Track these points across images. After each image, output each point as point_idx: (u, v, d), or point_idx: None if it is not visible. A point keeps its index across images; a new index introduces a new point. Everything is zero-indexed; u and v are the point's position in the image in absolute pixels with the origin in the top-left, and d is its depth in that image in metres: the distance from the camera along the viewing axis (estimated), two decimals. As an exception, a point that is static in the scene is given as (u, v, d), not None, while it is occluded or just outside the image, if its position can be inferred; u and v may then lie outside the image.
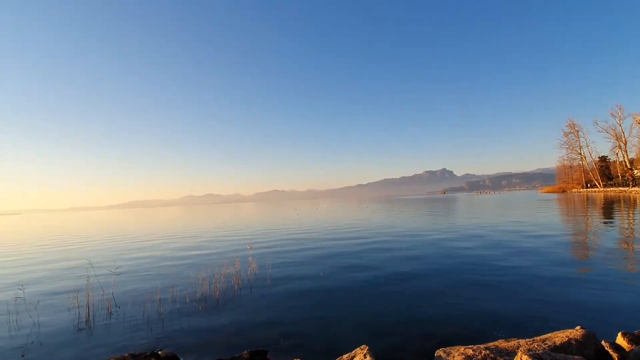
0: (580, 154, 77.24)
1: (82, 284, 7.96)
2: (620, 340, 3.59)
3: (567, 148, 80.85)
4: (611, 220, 17.69)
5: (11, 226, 50.51)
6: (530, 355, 2.89)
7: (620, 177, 68.19)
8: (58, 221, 62.42)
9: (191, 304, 6.49)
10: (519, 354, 2.97)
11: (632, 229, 14.34)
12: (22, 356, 4.61)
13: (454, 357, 3.31)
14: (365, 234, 16.79)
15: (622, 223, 16.34)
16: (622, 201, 33.94)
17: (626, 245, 10.59)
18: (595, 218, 19.36)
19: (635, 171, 63.93)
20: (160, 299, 6.69)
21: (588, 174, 75.94)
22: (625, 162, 67.11)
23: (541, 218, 20.38)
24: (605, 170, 74.21)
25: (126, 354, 3.99)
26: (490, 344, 3.49)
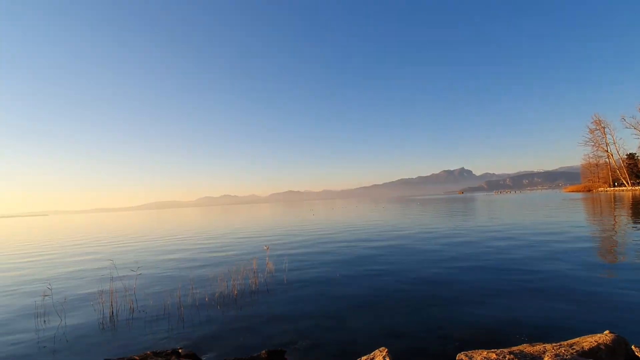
0: (607, 151, 74.18)
1: (105, 283, 8.23)
2: (653, 345, 3.41)
3: (593, 145, 77.83)
4: (641, 221, 16.89)
5: (39, 227, 52.76)
6: (557, 361, 2.78)
7: (650, 175, 65.07)
8: (82, 222, 64.78)
9: (210, 304, 6.58)
10: (546, 359, 2.86)
11: (664, 229, 13.64)
12: (50, 353, 4.78)
13: (476, 361, 3.21)
14: (381, 234, 16.64)
15: (654, 223, 15.56)
16: (652, 200, 32.35)
17: (658, 246, 10.08)
18: (624, 218, 18.53)
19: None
20: (180, 298, 6.83)
21: (615, 172, 72.80)
22: (655, 159, 63.98)
23: (566, 218, 19.67)
24: (634, 168, 70.86)
25: (148, 352, 4.09)
26: (515, 348, 3.37)
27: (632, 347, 3.40)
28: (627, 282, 6.53)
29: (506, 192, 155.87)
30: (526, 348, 3.40)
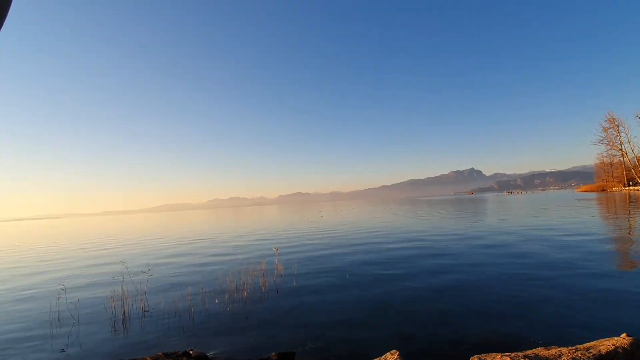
0: (621, 150, 72.49)
1: (118, 285, 8.34)
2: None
3: (607, 144, 76.08)
4: (658, 221, 16.44)
5: (54, 230, 53.84)
6: (573, 365, 2.71)
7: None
8: (95, 225, 65.89)
9: (220, 305, 6.62)
10: (561, 363, 2.80)
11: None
12: (62, 351, 4.86)
13: (489, 364, 3.16)
14: (390, 236, 16.54)
15: (672, 223, 15.13)
16: (670, 200, 31.49)
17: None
18: (639, 219, 18.08)
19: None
20: (190, 300, 6.89)
21: (630, 171, 71.07)
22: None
23: (580, 219, 19.28)
24: (650, 167, 69.20)
25: (160, 353, 4.12)
26: (529, 352, 3.30)
27: (651, 350, 3.30)
28: (645, 284, 6.36)
29: (517, 193, 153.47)
30: (541, 352, 3.33)
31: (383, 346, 4.14)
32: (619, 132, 72.28)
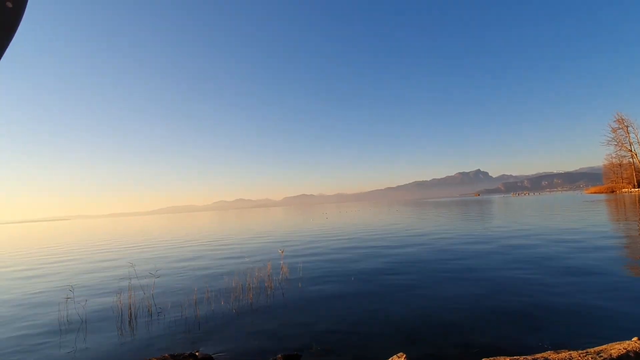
0: (631, 150, 71.46)
1: (125, 286, 8.41)
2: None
3: (616, 145, 75.11)
4: (670, 223, 16.16)
5: (61, 231, 54.45)
6: (584, 369, 2.67)
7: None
8: (102, 226, 66.53)
9: (225, 307, 6.63)
10: (571, 367, 2.75)
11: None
12: (71, 354, 4.91)
13: (497, 368, 3.12)
14: (396, 238, 16.46)
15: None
16: (681, 201, 30.94)
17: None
18: (651, 220, 17.77)
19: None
20: (196, 302, 6.92)
21: (640, 172, 70.04)
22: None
23: (589, 221, 19.02)
24: (660, 168, 68.07)
25: (166, 355, 4.14)
26: (539, 356, 3.26)
27: (664, 355, 3.23)
28: (657, 287, 6.25)
29: (524, 194, 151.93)
30: (551, 355, 3.29)
31: (390, 349, 4.11)
32: (628, 133, 71.35)
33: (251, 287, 7.82)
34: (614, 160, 78.84)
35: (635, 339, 3.47)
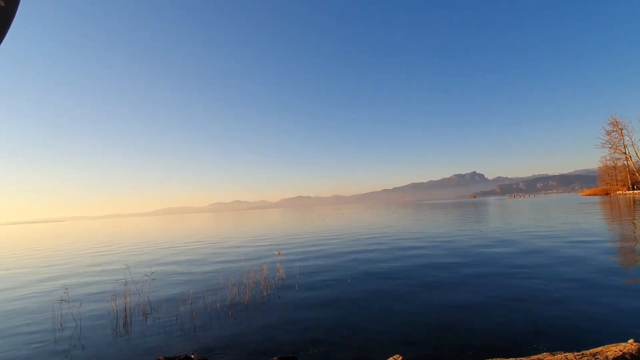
0: (625, 153, 72.16)
1: (120, 288, 8.34)
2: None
3: (610, 147, 75.77)
4: (663, 225, 16.30)
5: (57, 233, 54.00)
6: (580, 371, 2.67)
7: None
8: (97, 228, 66.06)
9: (221, 309, 6.59)
10: (568, 369, 2.75)
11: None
12: (65, 357, 4.85)
13: (493, 370, 3.12)
14: (393, 240, 16.47)
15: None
16: (675, 204, 31.24)
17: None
18: (645, 222, 17.92)
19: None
20: (192, 304, 6.87)
21: (634, 174, 70.70)
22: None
23: (583, 223, 19.15)
24: (654, 171, 68.76)
25: (161, 357, 4.10)
26: (534, 357, 3.26)
27: (660, 357, 3.25)
28: (651, 289, 6.28)
29: (520, 196, 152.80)
30: (546, 357, 3.29)
31: (386, 351, 4.10)
32: (622, 136, 72.05)
33: (247, 289, 7.78)
34: (608, 162, 79.65)
35: (631, 341, 3.48)
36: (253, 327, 5.52)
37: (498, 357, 3.54)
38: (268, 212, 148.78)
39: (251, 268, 10.32)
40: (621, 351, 3.23)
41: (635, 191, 67.02)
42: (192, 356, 4.19)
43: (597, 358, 3.17)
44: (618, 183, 76.40)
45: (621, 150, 73.15)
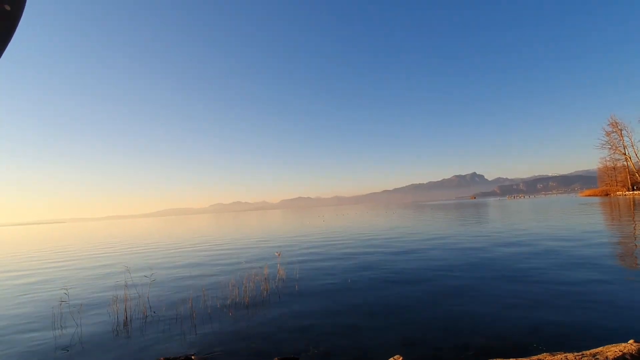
0: (625, 154, 72.13)
1: (120, 290, 8.33)
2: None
3: (610, 148, 75.73)
4: (663, 225, 16.30)
5: (57, 235, 53.98)
6: (580, 371, 2.68)
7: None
8: (98, 229, 66.03)
9: (222, 310, 6.59)
10: (568, 369, 2.76)
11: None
12: (60, 353, 4.85)
13: (494, 370, 3.12)
14: (393, 241, 16.47)
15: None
16: (675, 204, 31.23)
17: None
18: (645, 223, 17.92)
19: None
20: (192, 305, 6.86)
21: (634, 175, 70.68)
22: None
23: (584, 223, 19.14)
24: (653, 171, 68.76)
25: (161, 358, 4.10)
26: (534, 358, 3.27)
27: (660, 357, 3.25)
28: (651, 290, 6.29)
29: (519, 197, 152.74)
30: (546, 357, 3.29)
31: (386, 351, 4.11)
32: (622, 136, 72.03)
33: (247, 289, 7.78)
34: (608, 163, 79.57)
35: (631, 341, 3.48)
36: (253, 328, 5.52)
37: (498, 357, 3.54)
38: (268, 213, 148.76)
39: (251, 269, 10.32)
40: (621, 351, 3.23)
41: (635, 192, 67.01)
42: (193, 357, 4.19)
43: (597, 358, 3.18)
44: (618, 184, 76.35)
45: (621, 151, 73.16)
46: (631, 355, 3.19)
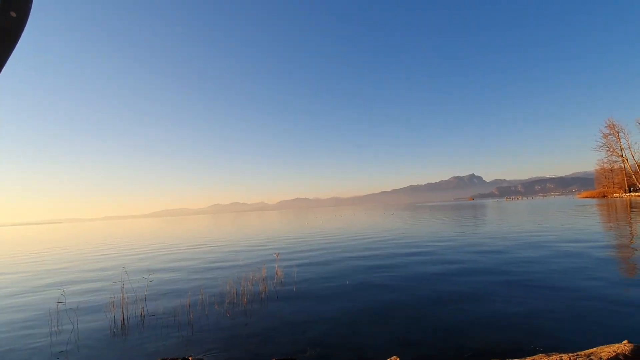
0: (622, 156, 72.51)
1: (117, 290, 8.32)
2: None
3: (607, 150, 76.17)
4: (660, 227, 16.39)
5: (54, 235, 53.74)
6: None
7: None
8: (95, 230, 65.80)
9: (219, 311, 6.60)
10: (562, 369, 2.79)
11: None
12: (57, 354, 4.84)
13: (489, 371, 3.15)
14: (390, 242, 16.50)
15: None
16: (671, 206, 31.40)
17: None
18: (641, 225, 18.03)
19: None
20: (189, 306, 6.87)
21: (631, 177, 71.05)
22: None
23: (581, 225, 19.23)
24: (650, 173, 69.13)
25: (159, 359, 4.11)
26: (530, 358, 3.30)
27: (653, 357, 3.28)
28: (646, 291, 6.34)
29: (517, 199, 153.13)
30: (542, 358, 3.32)
31: (384, 353, 4.13)
32: (619, 139, 72.44)
33: (245, 290, 7.79)
34: (605, 165, 79.97)
35: (625, 342, 3.52)
36: (251, 329, 5.53)
37: (495, 358, 3.57)
38: (267, 214, 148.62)
39: (250, 270, 10.33)
40: (615, 352, 3.27)
41: (632, 194, 67.36)
42: (190, 358, 4.20)
43: (592, 358, 3.21)
44: (615, 185, 76.73)
45: (618, 153, 73.55)
46: (625, 355, 3.22)
